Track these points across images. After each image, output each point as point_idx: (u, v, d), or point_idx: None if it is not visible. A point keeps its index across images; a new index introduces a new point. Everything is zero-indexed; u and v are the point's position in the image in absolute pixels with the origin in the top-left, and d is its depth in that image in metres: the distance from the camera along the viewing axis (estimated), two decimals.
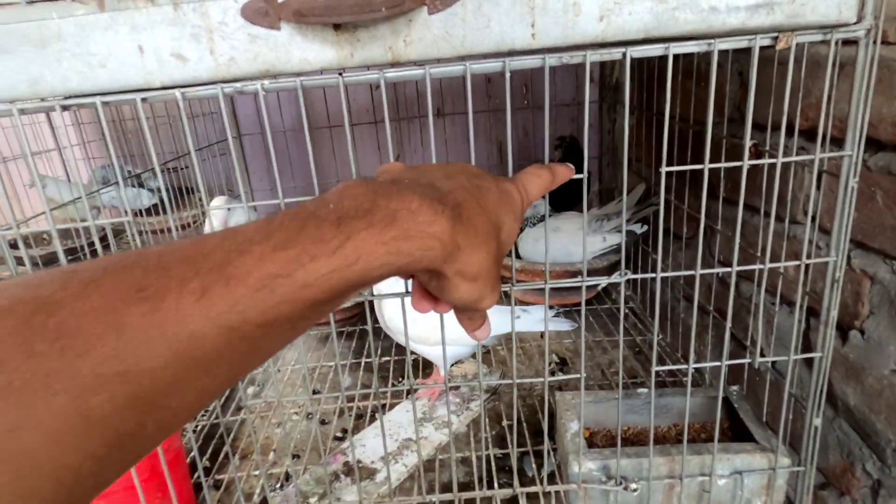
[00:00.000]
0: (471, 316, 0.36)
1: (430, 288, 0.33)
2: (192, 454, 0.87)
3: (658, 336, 1.13)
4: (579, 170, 0.49)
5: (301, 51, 0.49)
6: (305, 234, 0.23)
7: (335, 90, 0.51)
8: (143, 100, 0.52)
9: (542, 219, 1.28)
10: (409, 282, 0.46)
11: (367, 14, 0.44)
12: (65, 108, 0.52)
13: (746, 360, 0.64)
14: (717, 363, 0.62)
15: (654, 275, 0.57)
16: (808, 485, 0.69)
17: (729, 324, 0.63)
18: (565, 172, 0.41)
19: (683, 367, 0.63)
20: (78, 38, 0.48)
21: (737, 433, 0.76)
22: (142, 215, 1.57)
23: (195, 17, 0.48)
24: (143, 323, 0.19)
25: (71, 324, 0.18)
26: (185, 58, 0.49)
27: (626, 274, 0.57)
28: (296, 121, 1.62)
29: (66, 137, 1.75)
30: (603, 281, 0.62)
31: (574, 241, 1.22)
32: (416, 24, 0.48)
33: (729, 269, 0.58)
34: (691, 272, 0.56)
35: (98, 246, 0.60)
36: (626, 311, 1.29)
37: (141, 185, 1.56)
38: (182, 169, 1.54)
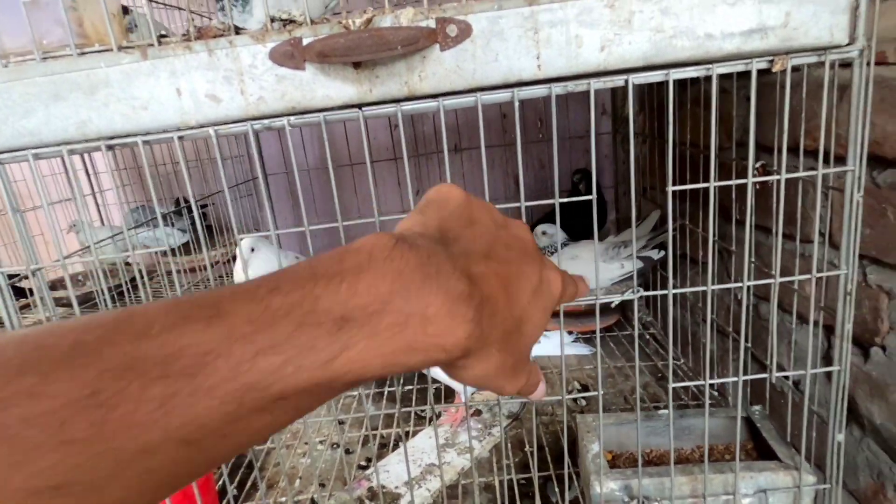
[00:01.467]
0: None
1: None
2: (221, 481, 0.89)
3: (679, 360, 1.13)
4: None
5: (324, 88, 0.53)
6: (297, 339, 0.21)
7: (356, 130, 0.55)
8: (180, 138, 0.56)
9: (557, 249, 1.30)
10: None
11: (385, 52, 0.48)
12: (109, 147, 0.57)
13: (765, 376, 0.64)
14: (735, 378, 0.62)
15: (665, 291, 0.59)
16: None
17: (744, 341, 0.63)
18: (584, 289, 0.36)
19: (701, 383, 0.63)
20: (123, 84, 0.53)
21: (762, 453, 0.75)
22: (174, 254, 1.63)
23: (227, 61, 0.53)
24: (93, 434, 0.18)
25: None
26: (218, 98, 0.54)
27: (638, 290, 0.58)
28: (318, 160, 1.68)
29: (96, 184, 1.84)
30: (616, 298, 0.64)
31: (592, 268, 1.23)
32: (429, 60, 0.51)
33: (740, 285, 0.60)
34: (703, 288, 0.58)
35: (133, 283, 0.64)
36: (648, 336, 1.28)
37: (173, 224, 1.63)
38: (211, 205, 1.61)
